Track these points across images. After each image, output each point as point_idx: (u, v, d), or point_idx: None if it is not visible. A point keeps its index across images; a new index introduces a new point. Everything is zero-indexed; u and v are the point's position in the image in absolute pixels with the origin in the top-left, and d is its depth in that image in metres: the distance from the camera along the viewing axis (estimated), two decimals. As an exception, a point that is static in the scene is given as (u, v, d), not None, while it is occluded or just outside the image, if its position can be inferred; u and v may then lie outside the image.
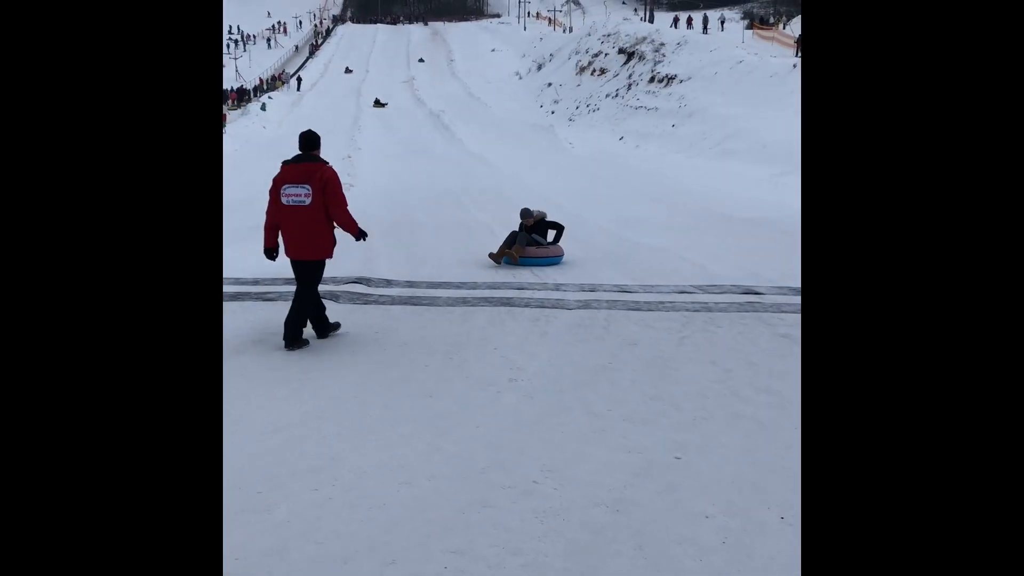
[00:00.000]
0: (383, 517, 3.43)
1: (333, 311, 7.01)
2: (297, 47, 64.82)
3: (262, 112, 36.29)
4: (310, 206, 5.77)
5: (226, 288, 7.74)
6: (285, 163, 5.95)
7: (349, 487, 3.71)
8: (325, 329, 6.25)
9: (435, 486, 3.72)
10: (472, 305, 7.27)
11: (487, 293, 7.77)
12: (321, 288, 7.73)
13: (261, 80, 47.95)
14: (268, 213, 5.96)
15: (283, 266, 8.81)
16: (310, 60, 58.09)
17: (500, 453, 4.08)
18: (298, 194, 5.77)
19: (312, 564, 3.08)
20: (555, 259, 9.34)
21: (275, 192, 5.88)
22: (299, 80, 49.08)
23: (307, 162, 5.86)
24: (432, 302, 7.38)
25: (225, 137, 28.32)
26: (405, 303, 7.37)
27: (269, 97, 41.35)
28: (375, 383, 5.19)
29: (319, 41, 66.41)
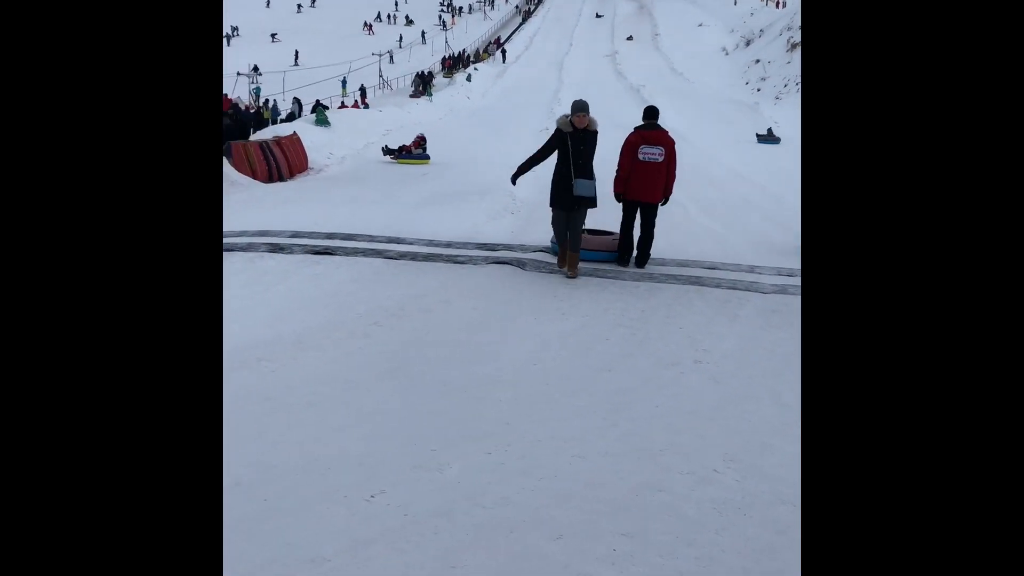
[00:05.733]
0: (553, 488, 3.33)
1: (519, 277, 7.00)
2: (518, 7, 65.68)
3: (467, 83, 37.08)
4: (661, 163, 7.27)
5: (419, 249, 7.91)
6: (639, 128, 7.40)
7: (521, 454, 3.63)
8: (645, 260, 7.58)
9: (609, 463, 3.57)
10: (658, 281, 7.03)
11: (675, 271, 7.49)
12: (508, 255, 7.78)
13: (479, 53, 49.13)
14: (623, 168, 7.33)
15: (476, 231, 8.95)
16: (516, 33, 58.74)
17: (679, 436, 3.87)
18: (653, 153, 7.27)
19: (477, 530, 3.01)
20: None
21: (631, 151, 7.28)
22: (504, 52, 49.77)
23: (656, 130, 7.38)
24: (617, 275, 7.20)
25: (430, 106, 29.21)
26: (590, 275, 7.23)
27: (475, 68, 42.21)
28: (553, 353, 5.11)
29: (531, 7, 66.90)
